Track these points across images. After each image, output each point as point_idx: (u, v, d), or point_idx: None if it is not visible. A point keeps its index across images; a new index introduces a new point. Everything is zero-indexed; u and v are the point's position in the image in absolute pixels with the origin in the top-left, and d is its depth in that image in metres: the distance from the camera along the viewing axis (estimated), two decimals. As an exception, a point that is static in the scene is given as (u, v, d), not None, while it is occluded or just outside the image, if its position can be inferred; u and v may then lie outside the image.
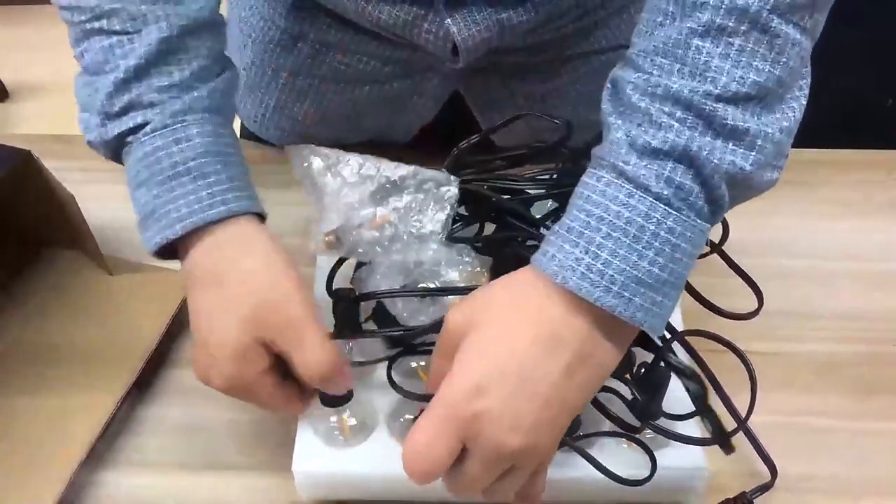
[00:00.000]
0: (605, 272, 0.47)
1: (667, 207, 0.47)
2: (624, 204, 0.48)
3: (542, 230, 0.62)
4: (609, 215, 0.48)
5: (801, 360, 0.69)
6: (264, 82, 0.83)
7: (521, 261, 0.59)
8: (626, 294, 0.47)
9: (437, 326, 0.55)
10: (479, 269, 0.61)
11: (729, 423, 0.56)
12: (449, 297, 0.59)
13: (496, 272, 0.60)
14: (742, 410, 0.57)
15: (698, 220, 0.48)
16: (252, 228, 0.57)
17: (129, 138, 0.57)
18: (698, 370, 0.56)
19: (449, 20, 0.69)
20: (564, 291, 0.48)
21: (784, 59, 0.48)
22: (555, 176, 0.67)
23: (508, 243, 0.62)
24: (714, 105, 0.47)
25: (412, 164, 0.67)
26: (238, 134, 0.75)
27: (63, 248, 0.74)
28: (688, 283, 0.59)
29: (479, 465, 0.49)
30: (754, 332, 0.68)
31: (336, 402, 0.59)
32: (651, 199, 0.47)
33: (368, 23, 0.72)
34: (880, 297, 0.74)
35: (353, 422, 0.61)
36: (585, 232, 0.48)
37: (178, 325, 0.70)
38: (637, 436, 0.57)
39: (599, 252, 0.47)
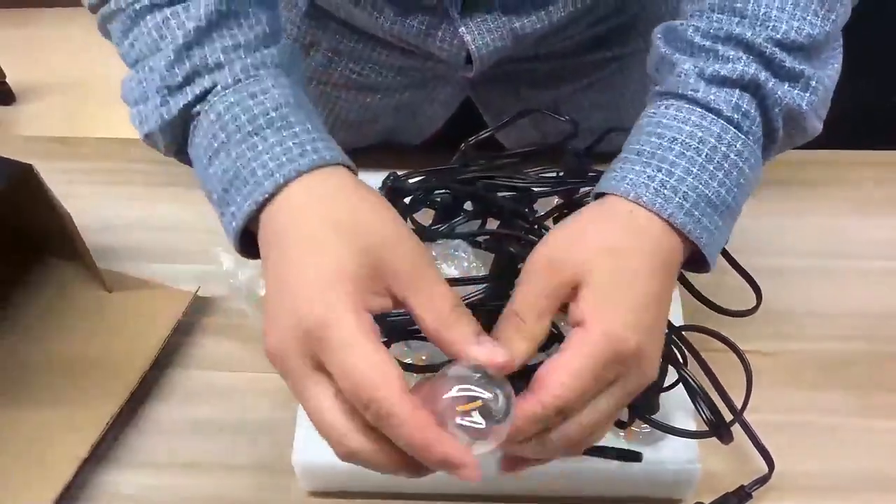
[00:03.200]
0: (678, 189, 0.49)
1: (737, 131, 0.50)
2: (697, 125, 0.50)
3: (543, 231, 0.62)
4: (682, 136, 0.50)
5: (802, 359, 0.70)
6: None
7: (516, 259, 0.60)
8: (695, 213, 0.49)
9: None
10: (474, 263, 0.61)
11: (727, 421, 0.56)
12: None
13: (497, 269, 0.61)
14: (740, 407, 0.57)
15: (758, 150, 0.52)
16: (350, 176, 0.50)
17: (197, 107, 0.51)
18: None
19: (463, 28, 0.69)
20: (656, 215, 0.49)
21: (833, 17, 0.52)
22: (560, 174, 0.67)
23: (510, 241, 0.62)
24: (774, 48, 0.51)
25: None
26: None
27: (64, 259, 0.74)
28: (687, 279, 0.60)
29: (615, 404, 0.47)
30: (756, 331, 0.69)
31: None
32: (723, 121, 0.50)
33: (381, 32, 0.73)
34: (883, 295, 0.74)
35: None
36: (658, 153, 0.50)
37: (178, 337, 0.71)
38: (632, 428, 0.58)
39: (673, 170, 0.49)
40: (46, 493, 0.60)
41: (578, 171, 0.67)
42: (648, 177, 0.49)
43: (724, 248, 0.63)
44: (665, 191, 0.49)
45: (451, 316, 0.46)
